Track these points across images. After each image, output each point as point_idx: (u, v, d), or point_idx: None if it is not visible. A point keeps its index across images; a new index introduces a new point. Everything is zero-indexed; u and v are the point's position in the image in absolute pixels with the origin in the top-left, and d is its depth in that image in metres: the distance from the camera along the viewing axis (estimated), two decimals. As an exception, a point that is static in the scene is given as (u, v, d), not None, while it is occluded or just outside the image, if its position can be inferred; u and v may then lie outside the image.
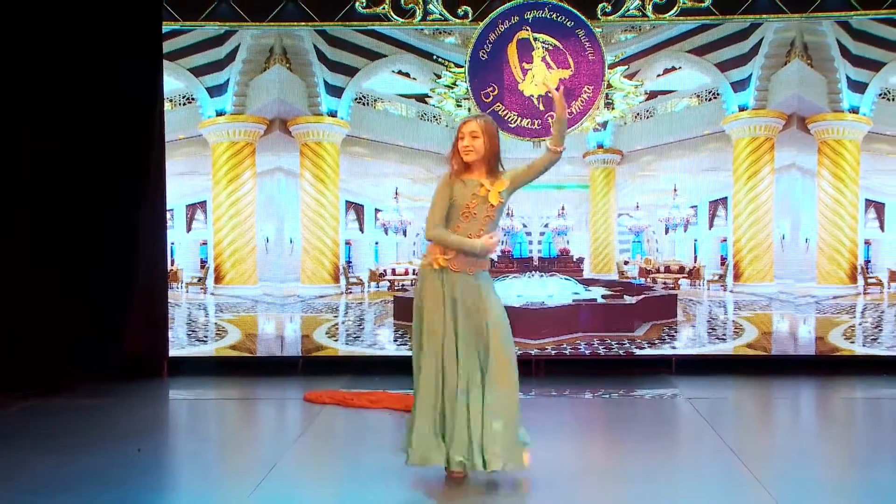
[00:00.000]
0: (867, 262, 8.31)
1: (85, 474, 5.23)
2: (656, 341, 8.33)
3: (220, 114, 8.42)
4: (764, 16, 8.18)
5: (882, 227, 8.31)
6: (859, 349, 8.25)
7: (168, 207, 8.42)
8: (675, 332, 8.37)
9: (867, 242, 8.30)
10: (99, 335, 8.14)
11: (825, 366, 8.19)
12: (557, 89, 5.20)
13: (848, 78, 8.15)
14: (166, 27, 8.32)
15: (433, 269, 4.96)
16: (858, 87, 8.16)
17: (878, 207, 8.29)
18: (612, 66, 8.24)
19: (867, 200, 8.27)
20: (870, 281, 8.30)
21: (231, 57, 8.37)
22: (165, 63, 8.32)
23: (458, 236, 4.94)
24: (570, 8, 8.18)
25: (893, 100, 8.16)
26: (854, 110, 8.17)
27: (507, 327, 5.00)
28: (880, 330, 8.26)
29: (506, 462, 4.86)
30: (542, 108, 8.19)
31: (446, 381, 4.90)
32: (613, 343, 8.32)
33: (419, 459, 4.95)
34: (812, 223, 8.27)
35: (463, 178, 4.99)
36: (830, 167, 8.24)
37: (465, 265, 4.95)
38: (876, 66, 8.15)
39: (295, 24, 8.35)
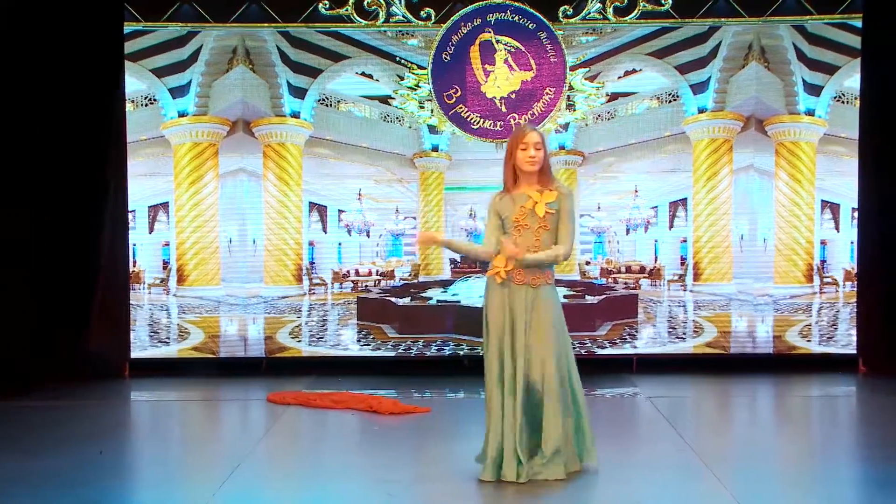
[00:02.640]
0: (823, 262, 8.44)
1: (46, 476, 5.20)
2: (617, 341, 8.41)
3: (182, 115, 8.38)
4: (722, 19, 8.29)
5: (837, 228, 8.44)
6: (815, 348, 8.37)
7: (130, 208, 8.38)
8: (636, 331, 8.46)
9: (823, 243, 8.43)
10: (60, 336, 8.07)
11: (782, 364, 8.31)
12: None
13: (804, 81, 8.27)
14: (128, 27, 8.28)
15: (497, 282, 5.01)
16: (814, 89, 8.28)
17: (834, 208, 8.42)
18: (573, 69, 8.31)
19: (823, 201, 8.39)
20: (825, 280, 8.44)
21: (194, 58, 8.34)
22: (127, 64, 8.28)
23: (468, 243, 4.97)
24: (531, 10, 8.24)
25: (848, 103, 8.30)
26: (810, 113, 8.29)
27: (554, 346, 4.98)
28: (835, 329, 8.39)
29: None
30: (504, 109, 8.24)
31: (505, 395, 4.96)
32: (575, 342, 8.33)
33: (489, 475, 4.99)
34: (769, 224, 8.38)
35: (512, 193, 5.03)
36: (787, 168, 8.36)
37: (528, 278, 4.98)
38: (831, 69, 8.27)
39: (258, 25, 8.33)
